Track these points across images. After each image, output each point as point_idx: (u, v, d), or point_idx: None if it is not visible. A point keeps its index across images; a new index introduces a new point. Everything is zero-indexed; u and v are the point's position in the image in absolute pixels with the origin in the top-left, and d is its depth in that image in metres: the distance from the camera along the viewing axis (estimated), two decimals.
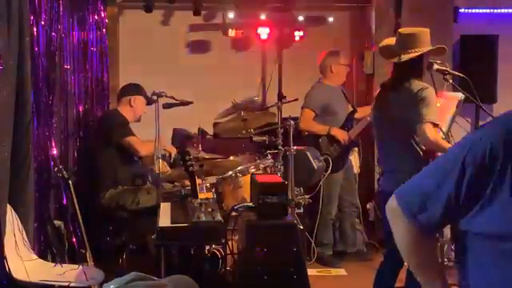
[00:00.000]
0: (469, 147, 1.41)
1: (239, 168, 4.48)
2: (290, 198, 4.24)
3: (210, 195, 4.02)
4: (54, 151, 3.98)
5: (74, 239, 3.98)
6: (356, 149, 5.60)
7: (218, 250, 4.05)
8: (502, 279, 1.38)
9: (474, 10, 6.34)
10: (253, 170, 4.45)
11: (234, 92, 5.83)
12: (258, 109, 5.28)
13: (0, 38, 3.10)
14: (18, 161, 3.38)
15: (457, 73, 3.78)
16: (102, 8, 5.92)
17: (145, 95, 4.91)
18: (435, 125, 3.41)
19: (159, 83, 4.87)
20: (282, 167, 4.57)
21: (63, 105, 4.47)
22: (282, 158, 4.59)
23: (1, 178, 3.15)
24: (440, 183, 1.44)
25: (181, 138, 5.74)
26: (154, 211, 4.00)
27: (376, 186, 4.93)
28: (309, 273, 3.83)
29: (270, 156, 4.68)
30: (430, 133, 3.36)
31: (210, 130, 5.73)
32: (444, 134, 3.62)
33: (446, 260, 4.59)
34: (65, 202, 4.08)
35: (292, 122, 4.51)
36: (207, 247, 3.99)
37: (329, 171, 5.08)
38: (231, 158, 4.77)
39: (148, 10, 6.16)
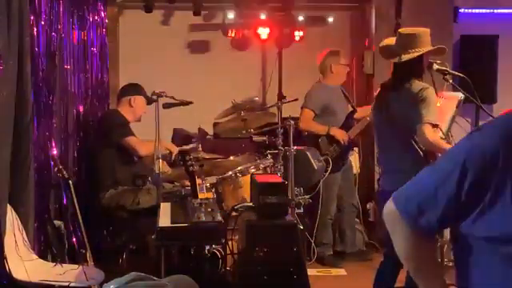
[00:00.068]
0: (469, 149, 1.38)
1: (239, 168, 4.48)
2: (290, 197, 4.24)
3: (210, 195, 4.03)
4: (54, 151, 3.98)
5: (74, 239, 3.97)
6: (356, 149, 5.61)
7: (218, 250, 4.05)
8: (503, 282, 1.36)
9: (474, 10, 6.33)
10: (253, 170, 4.45)
11: (234, 92, 5.83)
12: (258, 109, 5.27)
13: (0, 38, 3.10)
14: (18, 161, 3.38)
15: (457, 73, 3.78)
16: (102, 8, 5.92)
17: (145, 95, 4.91)
18: (435, 125, 3.41)
19: (159, 83, 4.87)
20: (282, 167, 4.57)
21: (63, 105, 4.47)
22: (282, 158, 4.59)
23: (1, 178, 3.15)
24: (440, 186, 1.41)
25: (181, 139, 5.74)
26: (153, 211, 3.99)
27: (376, 185, 4.92)
28: (309, 273, 3.83)
29: (269, 156, 4.68)
30: (429, 134, 3.36)
31: (210, 130, 5.73)
32: (444, 134, 3.62)
33: (446, 260, 4.58)
34: (65, 202, 4.07)
35: (292, 122, 4.51)
36: (207, 247, 3.98)
37: (329, 171, 5.08)
38: (231, 158, 4.77)
39: (148, 10, 6.16)
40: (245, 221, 3.74)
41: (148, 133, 4.50)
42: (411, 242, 1.52)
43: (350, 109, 5.40)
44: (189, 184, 3.90)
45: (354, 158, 5.63)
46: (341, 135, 5.22)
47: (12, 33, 3.22)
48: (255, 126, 5.02)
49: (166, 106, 4.57)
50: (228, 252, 3.97)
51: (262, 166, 4.55)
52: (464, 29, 6.22)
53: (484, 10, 6.35)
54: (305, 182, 4.82)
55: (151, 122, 4.28)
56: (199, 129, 5.64)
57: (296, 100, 5.14)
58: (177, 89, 4.82)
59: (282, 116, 5.30)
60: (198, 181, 3.89)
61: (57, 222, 3.98)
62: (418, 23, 4.02)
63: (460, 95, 3.75)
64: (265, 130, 5.04)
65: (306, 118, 5.24)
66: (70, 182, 3.80)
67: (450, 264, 4.68)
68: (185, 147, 4.70)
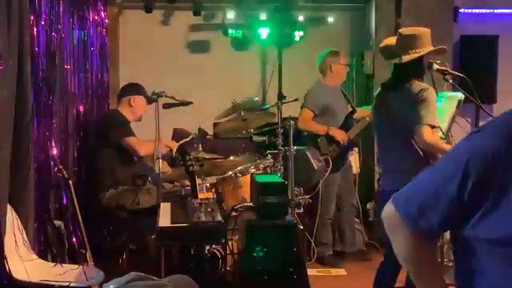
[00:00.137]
0: (471, 150, 1.36)
1: (239, 168, 4.48)
2: (290, 197, 4.24)
3: (210, 195, 4.03)
4: (54, 151, 3.98)
5: (74, 239, 3.98)
6: (356, 149, 5.61)
7: (218, 250, 4.05)
8: (503, 282, 1.35)
9: (473, 10, 6.34)
10: (253, 170, 4.45)
11: (234, 92, 5.83)
12: (258, 109, 5.26)
13: (0, 38, 3.10)
14: (18, 161, 3.38)
15: (457, 73, 3.78)
16: (102, 8, 5.92)
17: (145, 95, 4.91)
18: (434, 127, 3.41)
19: (159, 83, 4.87)
20: (282, 167, 4.57)
21: (63, 105, 4.47)
22: (282, 158, 4.59)
23: (1, 178, 3.15)
24: (441, 187, 1.39)
25: (181, 139, 5.73)
26: (153, 211, 3.99)
27: (376, 185, 4.92)
28: (309, 273, 3.84)
29: (269, 156, 4.68)
30: (428, 135, 3.36)
31: (210, 130, 5.73)
32: (444, 134, 3.62)
33: (446, 260, 4.58)
34: (65, 202, 4.08)
35: (292, 122, 4.51)
36: (207, 247, 3.99)
37: (328, 171, 5.08)
38: (231, 158, 4.78)
39: (148, 10, 6.17)
40: (245, 221, 3.74)
41: (148, 133, 4.50)
42: (411, 244, 1.50)
43: (350, 109, 5.40)
44: (189, 184, 3.91)
45: (354, 158, 5.63)
46: (340, 135, 5.22)
47: (12, 33, 3.22)
48: (255, 126, 5.02)
49: (166, 106, 4.57)
50: (228, 252, 3.97)
51: (261, 165, 4.55)
52: (464, 29, 6.22)
53: (484, 10, 6.36)
54: (305, 181, 4.82)
55: (151, 122, 4.28)
56: (199, 129, 5.63)
57: (296, 100, 5.14)
58: (177, 89, 4.83)
59: (282, 116, 5.30)
60: (198, 181, 3.88)
61: (57, 222, 3.98)
62: (418, 23, 4.02)
63: (460, 95, 3.75)
64: (265, 129, 5.04)
65: (304, 118, 5.25)
66: (70, 181, 3.80)
67: (450, 264, 4.69)
68: (183, 140, 4.70)
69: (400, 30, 3.62)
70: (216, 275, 4.03)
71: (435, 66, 3.58)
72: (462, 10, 6.26)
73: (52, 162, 3.92)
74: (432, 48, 3.51)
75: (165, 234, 3.50)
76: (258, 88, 6.65)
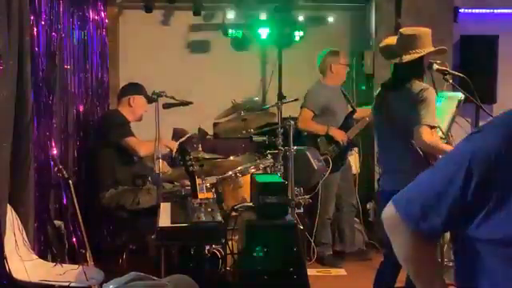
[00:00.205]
0: (473, 150, 1.36)
1: (239, 168, 4.48)
2: (290, 197, 4.24)
3: (210, 195, 4.02)
4: (54, 151, 3.98)
5: (74, 239, 3.98)
6: (356, 149, 5.61)
7: (218, 250, 4.05)
8: (503, 282, 1.35)
9: (474, 10, 6.34)
10: (253, 170, 4.45)
11: (234, 92, 5.83)
12: (258, 109, 5.27)
13: (0, 38, 3.10)
14: (18, 161, 3.38)
15: (457, 73, 3.78)
16: (102, 8, 5.92)
17: (145, 95, 4.91)
18: (433, 127, 3.41)
19: (159, 83, 4.86)
20: (282, 167, 4.57)
21: (63, 105, 4.47)
22: (282, 158, 4.59)
23: (1, 178, 3.15)
24: (444, 187, 1.38)
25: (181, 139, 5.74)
26: (153, 211, 3.99)
27: (376, 185, 4.92)
28: (309, 273, 3.83)
29: (269, 156, 4.68)
30: (427, 136, 3.36)
31: (210, 130, 5.73)
32: (444, 134, 3.62)
33: (446, 260, 4.58)
34: (65, 202, 4.08)
35: (292, 122, 4.51)
36: (207, 247, 3.99)
37: (328, 171, 5.08)
38: (231, 158, 4.77)
39: (148, 10, 6.17)
40: (245, 221, 3.74)
41: (148, 133, 4.50)
42: (411, 245, 1.49)
43: (350, 109, 5.40)
44: (189, 184, 3.90)
45: (354, 158, 5.63)
46: (340, 135, 5.22)
47: (12, 33, 3.22)
48: (255, 126, 5.02)
49: (166, 106, 4.57)
50: (228, 252, 3.97)
51: (261, 165, 4.55)
52: (464, 29, 6.22)
53: (484, 10, 6.36)
54: (305, 181, 4.82)
55: (151, 122, 4.28)
56: (199, 129, 5.63)
57: (296, 100, 5.14)
58: (177, 89, 4.83)
59: (282, 116, 5.30)
60: (198, 181, 3.88)
61: (57, 222, 3.98)
62: (418, 23, 4.02)
63: (460, 95, 3.75)
64: (265, 130, 5.04)
65: (304, 118, 5.25)
66: (70, 181, 3.80)
67: (450, 264, 4.69)
68: (182, 139, 4.70)
69: (401, 30, 3.62)
70: (216, 275, 4.04)
71: (435, 66, 3.58)
72: (462, 10, 6.26)
73: (52, 162, 3.92)
74: (432, 48, 3.51)
75: (165, 234, 3.50)
76: (258, 88, 6.65)
